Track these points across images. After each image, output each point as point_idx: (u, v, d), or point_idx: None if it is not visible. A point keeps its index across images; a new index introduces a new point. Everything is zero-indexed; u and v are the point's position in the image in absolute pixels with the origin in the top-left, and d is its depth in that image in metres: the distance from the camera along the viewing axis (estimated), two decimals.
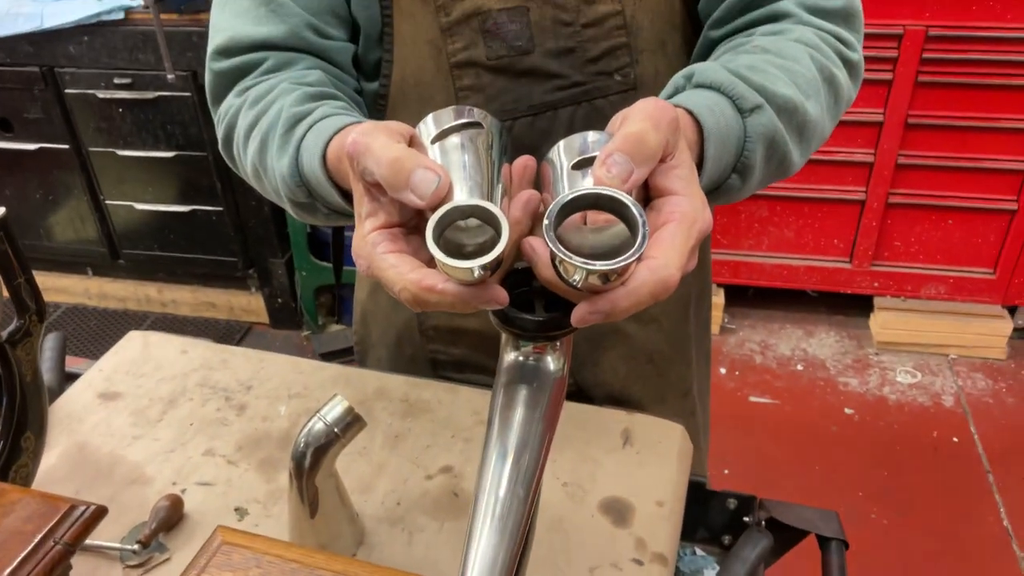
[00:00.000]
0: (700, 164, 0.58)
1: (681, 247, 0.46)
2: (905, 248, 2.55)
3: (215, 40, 0.78)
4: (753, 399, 2.46)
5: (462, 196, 0.47)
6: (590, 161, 0.47)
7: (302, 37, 0.76)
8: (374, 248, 0.50)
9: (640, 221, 0.43)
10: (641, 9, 0.77)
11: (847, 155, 2.42)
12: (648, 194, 0.49)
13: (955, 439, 2.30)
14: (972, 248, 2.50)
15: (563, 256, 0.43)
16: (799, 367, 2.57)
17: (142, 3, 2.22)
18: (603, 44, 0.77)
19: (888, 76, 2.27)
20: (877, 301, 2.63)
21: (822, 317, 2.76)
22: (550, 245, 0.43)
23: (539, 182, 0.52)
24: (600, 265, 0.42)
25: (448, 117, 0.53)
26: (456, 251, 0.46)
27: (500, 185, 0.50)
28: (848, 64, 0.72)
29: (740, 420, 2.38)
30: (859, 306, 2.71)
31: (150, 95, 2.42)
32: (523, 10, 0.75)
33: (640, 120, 0.47)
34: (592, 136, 0.50)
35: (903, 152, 2.38)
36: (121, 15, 2.33)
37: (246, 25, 0.76)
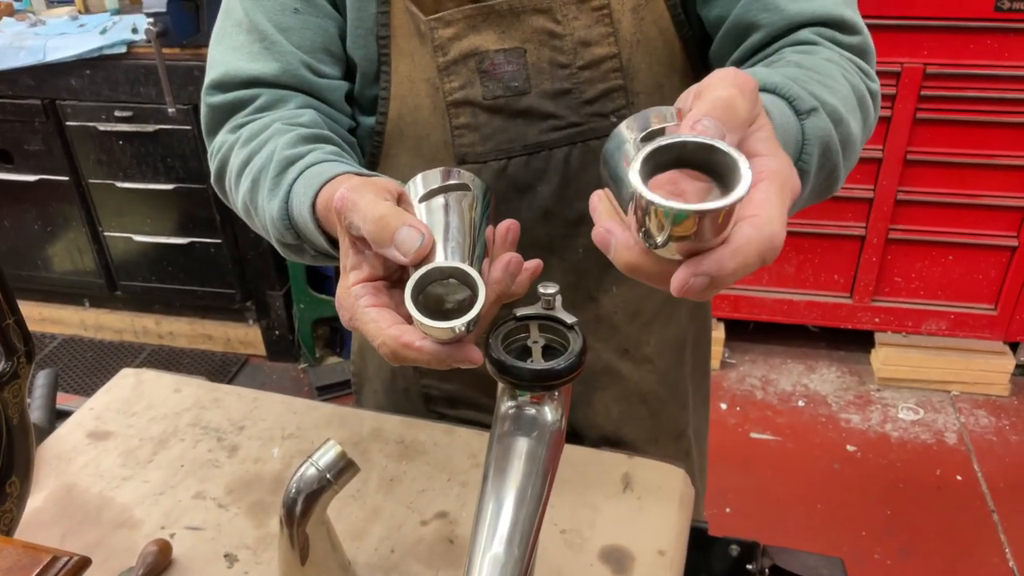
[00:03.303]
0: None
1: (779, 204, 0.41)
2: (906, 284, 2.54)
3: (210, 74, 0.79)
4: (755, 435, 2.43)
5: (445, 255, 0.48)
6: (661, 132, 0.43)
7: (295, 75, 0.76)
8: (356, 301, 0.51)
9: (740, 161, 0.37)
10: (639, 52, 0.76)
11: (847, 191, 2.42)
12: None
13: (959, 477, 2.27)
14: (973, 284, 2.49)
15: (653, 201, 0.36)
16: (800, 403, 2.55)
17: (144, 37, 2.23)
18: (599, 86, 0.77)
19: (887, 113, 2.28)
20: (878, 337, 2.62)
21: (823, 352, 2.75)
22: (643, 193, 0.37)
23: (603, 173, 0.46)
24: (704, 205, 0.36)
25: (436, 178, 0.54)
26: (436, 305, 0.48)
27: (482, 246, 0.51)
28: (870, 91, 0.71)
29: (742, 457, 2.35)
30: (860, 341, 2.69)
31: (150, 128, 2.43)
32: (520, 51, 0.75)
33: (727, 86, 0.43)
34: (658, 111, 0.45)
35: (902, 188, 2.38)
36: (123, 49, 2.34)
37: (240, 61, 0.76)
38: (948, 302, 2.53)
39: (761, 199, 0.41)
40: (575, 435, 0.96)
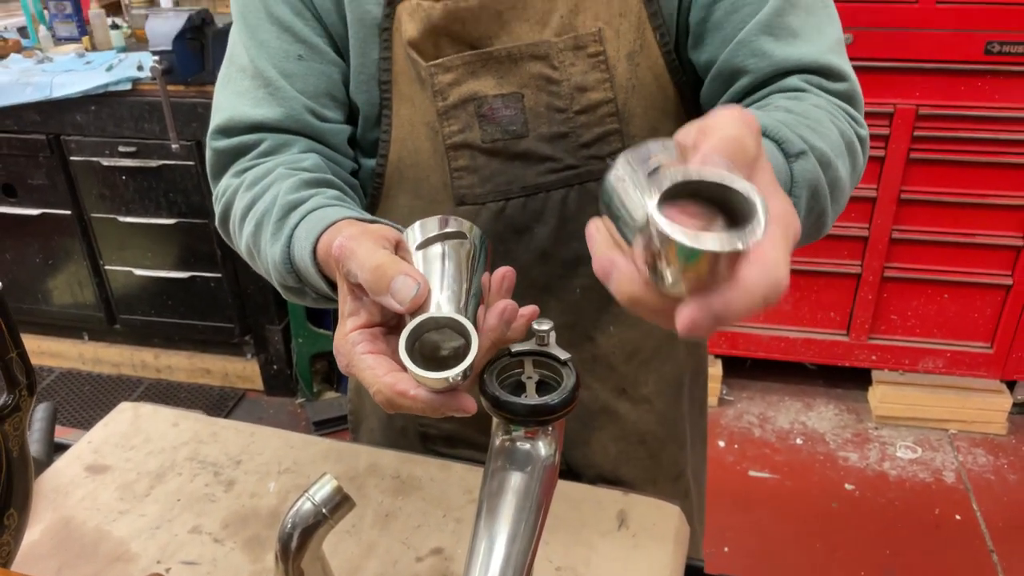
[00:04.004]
0: None
1: (783, 247, 0.40)
2: (902, 321, 2.55)
3: (215, 119, 0.80)
4: (753, 473, 2.42)
5: (440, 302, 0.49)
6: (660, 167, 0.42)
7: (299, 120, 0.78)
8: (354, 347, 0.52)
9: (758, 202, 0.37)
10: (634, 97, 0.78)
11: (842, 229, 2.44)
12: None
13: (957, 516, 2.26)
14: (969, 322, 2.50)
15: (673, 237, 0.35)
16: (798, 441, 2.54)
17: (149, 75, 2.27)
18: (595, 130, 0.78)
19: (881, 153, 2.31)
20: (875, 374, 2.62)
21: (820, 390, 2.75)
22: (661, 227, 0.36)
23: (604, 205, 0.45)
24: (724, 246, 0.35)
25: (434, 226, 0.55)
26: (432, 353, 0.48)
27: (478, 294, 0.53)
28: (858, 136, 0.73)
29: (740, 495, 2.34)
30: (857, 379, 2.69)
31: (154, 163, 2.46)
32: (518, 96, 0.77)
33: (736, 125, 0.42)
34: (658, 144, 0.45)
35: (897, 227, 2.41)
36: (128, 86, 2.38)
37: (245, 106, 0.78)
38: (944, 340, 2.54)
39: (767, 241, 0.39)
40: (573, 474, 0.96)
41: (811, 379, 2.77)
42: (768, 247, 0.39)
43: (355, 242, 0.53)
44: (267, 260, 0.70)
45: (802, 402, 2.71)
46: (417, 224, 0.56)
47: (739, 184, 0.37)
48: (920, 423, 2.58)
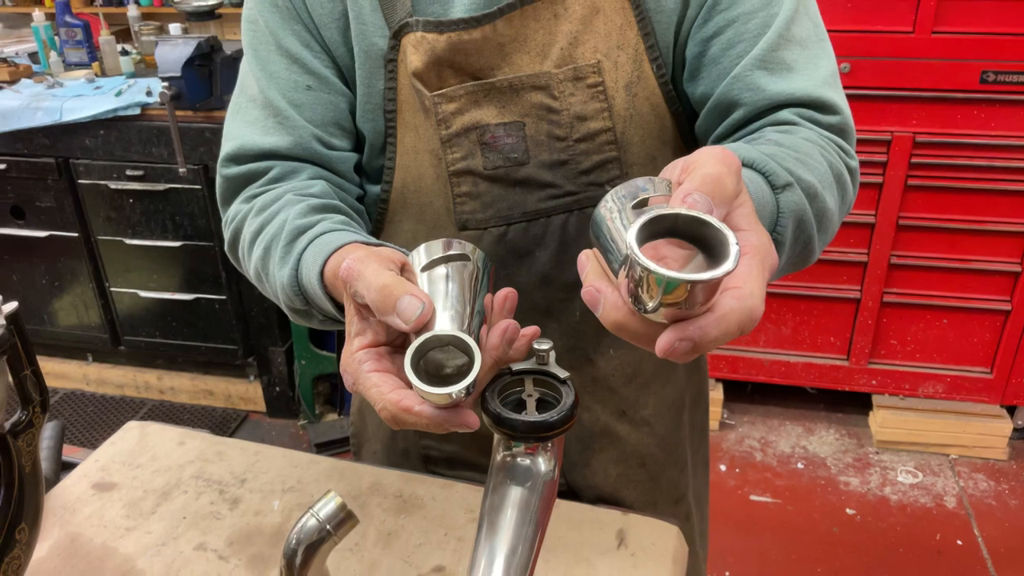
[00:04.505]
0: None
1: (759, 278, 0.44)
2: (902, 346, 2.57)
3: (226, 147, 0.83)
4: (754, 498, 2.42)
5: (444, 322, 0.51)
6: (646, 202, 0.47)
7: (307, 148, 0.80)
8: (360, 366, 0.54)
9: (729, 236, 0.41)
10: (632, 126, 0.80)
11: (841, 254, 2.46)
12: None
13: (959, 542, 2.26)
14: (968, 347, 2.51)
15: (649, 268, 0.39)
16: (800, 465, 2.55)
17: (158, 100, 2.31)
18: (595, 157, 0.80)
19: (879, 179, 2.34)
20: (876, 399, 2.63)
21: (821, 414, 2.75)
22: (639, 259, 0.40)
23: (593, 236, 0.48)
24: (697, 276, 0.39)
25: (438, 248, 0.57)
26: (436, 370, 0.50)
27: (480, 313, 0.54)
28: (848, 168, 0.75)
29: (741, 520, 2.34)
30: (858, 404, 2.70)
31: (161, 187, 2.49)
32: (519, 125, 0.79)
33: (716, 164, 0.46)
34: (647, 181, 0.49)
35: (896, 252, 2.43)
36: (137, 111, 2.42)
37: (255, 135, 0.81)
38: (944, 365, 2.55)
39: (743, 272, 0.44)
40: (573, 495, 0.97)
41: (812, 403, 2.78)
42: (744, 278, 0.43)
43: (362, 264, 0.54)
44: (275, 283, 0.72)
45: (803, 426, 2.71)
46: (422, 247, 0.58)
47: (714, 220, 0.41)
48: (921, 448, 2.58)
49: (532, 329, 0.55)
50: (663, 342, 0.42)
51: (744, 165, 0.62)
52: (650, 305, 0.41)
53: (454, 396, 0.49)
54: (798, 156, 0.67)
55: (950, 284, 2.44)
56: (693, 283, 0.39)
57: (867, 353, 2.57)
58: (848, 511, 2.37)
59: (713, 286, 0.40)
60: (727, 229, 0.41)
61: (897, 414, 2.57)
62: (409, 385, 0.51)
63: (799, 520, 2.34)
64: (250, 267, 0.77)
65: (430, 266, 0.57)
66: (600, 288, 0.45)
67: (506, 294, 0.56)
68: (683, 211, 0.42)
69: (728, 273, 0.39)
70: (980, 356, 2.52)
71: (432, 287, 0.55)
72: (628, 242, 0.40)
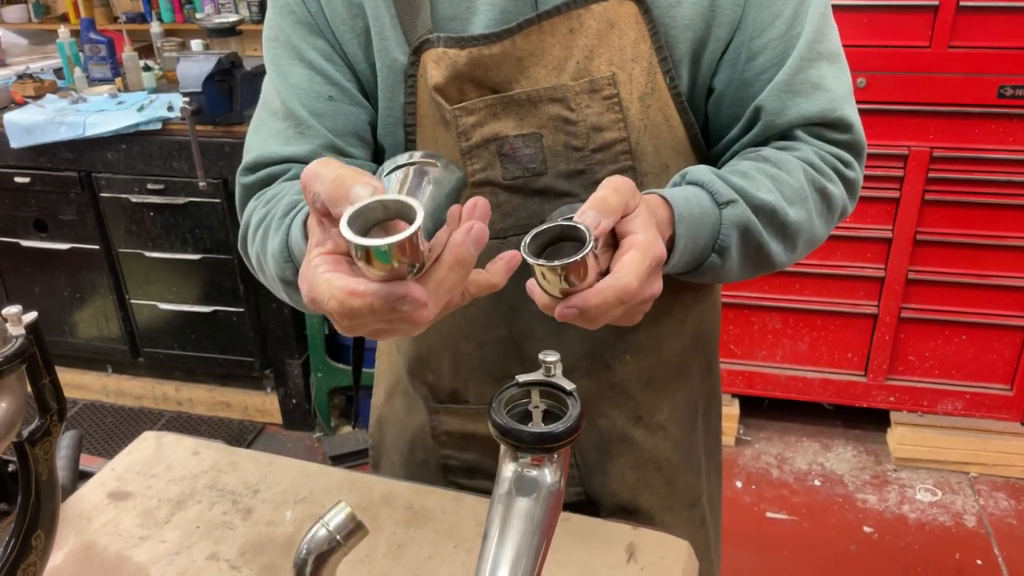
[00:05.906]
0: (673, 239, 0.70)
1: (639, 265, 0.59)
2: (920, 363, 2.54)
3: (245, 158, 0.85)
4: (770, 515, 2.40)
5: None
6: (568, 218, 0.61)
7: (324, 155, 0.82)
8: (315, 270, 0.52)
9: (587, 232, 0.57)
10: (645, 137, 0.82)
11: (858, 269, 2.45)
12: (616, 239, 0.62)
13: (979, 562, 2.22)
14: (987, 364, 2.49)
15: (535, 263, 0.56)
16: (816, 482, 2.52)
17: (179, 115, 2.34)
18: (610, 167, 0.82)
19: (895, 194, 2.32)
20: (894, 416, 2.60)
21: (838, 431, 2.73)
22: (528, 258, 0.57)
23: None
24: (558, 262, 0.55)
25: (404, 157, 0.58)
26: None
27: (437, 212, 0.53)
28: (845, 180, 0.82)
29: (758, 537, 2.32)
30: (876, 420, 2.67)
31: (181, 200, 2.53)
32: (537, 136, 0.81)
33: (604, 187, 0.62)
34: (569, 207, 0.66)
35: (913, 268, 2.41)
36: (159, 125, 2.45)
37: (275, 145, 0.83)
38: (963, 382, 2.53)
39: (626, 259, 0.59)
40: (592, 503, 0.98)
41: (829, 420, 2.76)
42: (626, 264, 0.59)
43: (320, 164, 0.53)
44: (268, 258, 0.73)
45: (820, 443, 2.69)
46: (390, 159, 0.59)
47: (580, 224, 0.58)
48: (940, 465, 2.55)
49: (511, 253, 0.59)
50: (557, 311, 0.59)
51: (695, 184, 0.75)
52: (548, 291, 0.59)
53: (392, 249, 0.45)
54: (774, 173, 0.76)
55: (969, 300, 2.42)
56: (555, 267, 0.56)
57: (885, 369, 2.55)
58: (866, 529, 2.34)
59: (581, 265, 0.56)
60: (587, 228, 0.57)
61: (916, 431, 2.55)
62: (348, 244, 0.47)
63: (816, 538, 2.32)
64: (252, 256, 0.79)
65: (393, 171, 0.57)
66: (531, 288, 0.62)
67: (475, 201, 0.55)
68: (564, 222, 0.58)
69: (581, 258, 0.56)
70: (1000, 373, 2.49)
71: (390, 186, 0.54)
72: (522, 247, 0.59)
